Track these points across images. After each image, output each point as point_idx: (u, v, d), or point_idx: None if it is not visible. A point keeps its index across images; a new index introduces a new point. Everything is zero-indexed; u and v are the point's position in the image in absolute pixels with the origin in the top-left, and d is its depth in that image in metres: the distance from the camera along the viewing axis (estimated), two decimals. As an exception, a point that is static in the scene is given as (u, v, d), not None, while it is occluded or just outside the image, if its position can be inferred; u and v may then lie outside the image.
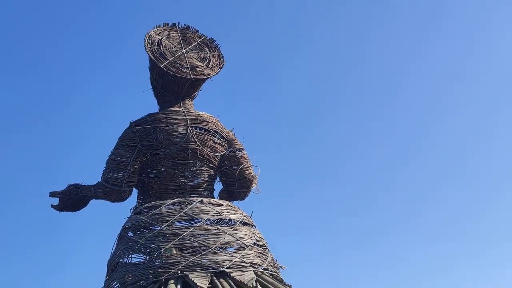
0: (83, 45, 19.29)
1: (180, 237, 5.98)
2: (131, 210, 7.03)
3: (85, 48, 19.12)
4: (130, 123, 7.00)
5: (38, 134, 18.75)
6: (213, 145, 7.00)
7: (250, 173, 7.25)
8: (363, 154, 18.76)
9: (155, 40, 7.09)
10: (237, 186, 7.20)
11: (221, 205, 6.60)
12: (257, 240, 6.37)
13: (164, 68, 6.85)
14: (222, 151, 7.07)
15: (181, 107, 7.09)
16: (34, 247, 17.35)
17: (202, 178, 6.99)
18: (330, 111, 19.15)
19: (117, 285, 6.09)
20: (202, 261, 5.80)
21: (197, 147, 6.83)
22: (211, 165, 7.01)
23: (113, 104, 18.73)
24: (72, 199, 7.06)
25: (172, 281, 5.61)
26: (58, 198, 7.15)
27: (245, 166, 7.19)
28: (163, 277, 5.66)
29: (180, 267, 5.72)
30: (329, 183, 18.62)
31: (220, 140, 7.08)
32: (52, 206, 7.20)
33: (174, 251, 5.91)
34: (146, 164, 6.82)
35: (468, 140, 18.79)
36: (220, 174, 7.23)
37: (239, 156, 7.19)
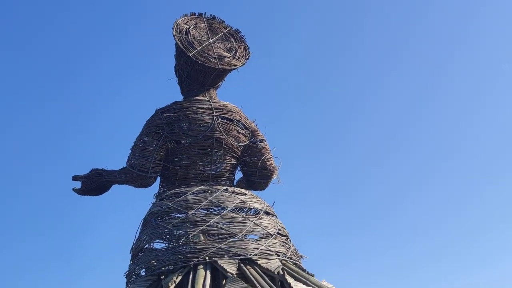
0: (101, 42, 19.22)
1: (207, 224, 6.08)
2: (155, 196, 7.14)
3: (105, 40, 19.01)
4: (156, 110, 7.07)
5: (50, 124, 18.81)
6: (237, 135, 7.09)
7: (271, 164, 7.36)
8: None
9: (183, 29, 7.15)
10: (258, 176, 7.31)
11: (245, 194, 6.71)
12: (279, 230, 6.49)
13: (192, 57, 6.92)
14: (245, 141, 7.16)
15: (206, 96, 7.17)
16: (50, 229, 17.51)
17: (225, 167, 7.09)
18: (362, 107, 18.95)
19: (143, 269, 6.18)
20: (230, 248, 5.90)
21: (222, 136, 6.92)
22: (234, 154, 7.10)
23: (131, 91, 18.84)
24: (96, 183, 7.13)
25: (201, 266, 5.71)
26: (80, 182, 7.23)
27: (266, 157, 7.30)
28: (191, 263, 5.76)
29: (208, 253, 5.82)
30: (352, 179, 18.53)
31: (244, 130, 7.18)
32: (74, 189, 7.26)
33: (202, 237, 6.02)
34: (171, 152, 6.90)
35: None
36: (241, 164, 7.33)
37: (261, 146, 7.29)
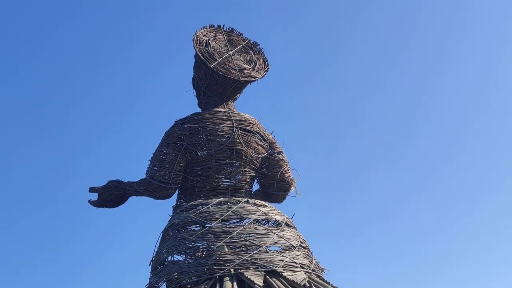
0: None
1: (231, 235, 6.03)
2: (173, 208, 7.08)
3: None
4: (176, 121, 7.05)
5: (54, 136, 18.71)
6: (256, 146, 7.07)
7: (289, 176, 7.34)
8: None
9: (203, 40, 7.17)
10: (276, 188, 7.29)
11: (265, 206, 6.66)
12: (301, 242, 6.44)
13: (214, 69, 6.92)
14: (263, 153, 7.15)
15: (225, 108, 7.17)
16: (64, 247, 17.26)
17: (244, 179, 7.06)
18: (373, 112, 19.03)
19: (165, 282, 6.09)
20: (255, 259, 5.84)
21: (241, 148, 6.90)
22: (253, 166, 7.08)
23: (147, 103, 18.79)
24: (113, 195, 7.07)
25: (227, 278, 5.64)
26: (96, 194, 7.16)
27: (285, 169, 7.28)
28: (217, 274, 5.69)
29: (234, 264, 5.75)
30: (365, 189, 18.45)
31: (262, 142, 7.16)
32: (90, 201, 7.19)
33: (226, 249, 5.95)
34: (191, 163, 6.87)
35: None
36: (259, 176, 7.30)
37: (279, 158, 7.28)
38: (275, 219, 6.48)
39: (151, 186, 6.72)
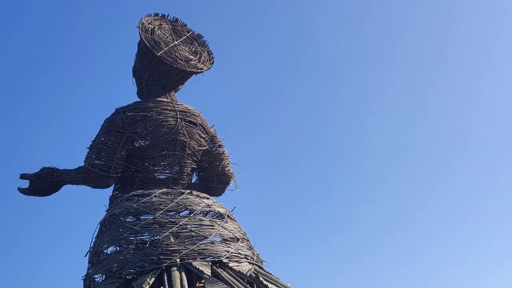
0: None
1: (176, 226, 5.95)
2: (110, 198, 6.87)
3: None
4: (117, 109, 6.85)
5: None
6: (199, 139, 7.03)
7: (229, 169, 7.36)
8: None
9: (148, 28, 7.02)
10: (216, 181, 7.28)
11: (208, 198, 6.64)
12: (243, 234, 6.49)
13: (160, 57, 6.80)
14: (205, 146, 7.12)
15: (168, 98, 7.06)
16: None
17: (185, 171, 6.99)
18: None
19: (105, 272, 5.89)
20: (202, 250, 5.81)
21: (185, 140, 6.83)
22: (194, 158, 7.03)
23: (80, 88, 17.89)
24: (46, 182, 6.73)
25: (175, 268, 5.57)
26: (28, 182, 6.78)
27: (225, 162, 7.30)
28: (164, 264, 5.60)
29: (181, 254, 5.69)
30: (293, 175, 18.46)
31: (205, 135, 7.13)
32: (20, 189, 6.80)
33: (172, 239, 5.87)
34: (132, 152, 6.70)
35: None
36: (199, 169, 7.26)
37: (220, 152, 7.28)
38: (218, 211, 6.47)
39: (90, 175, 6.47)
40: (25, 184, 6.80)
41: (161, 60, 6.82)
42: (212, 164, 7.24)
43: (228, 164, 7.36)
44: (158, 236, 5.84)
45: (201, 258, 5.75)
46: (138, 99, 7.24)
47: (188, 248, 5.76)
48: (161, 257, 5.65)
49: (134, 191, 6.57)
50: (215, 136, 7.32)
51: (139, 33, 6.88)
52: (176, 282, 5.37)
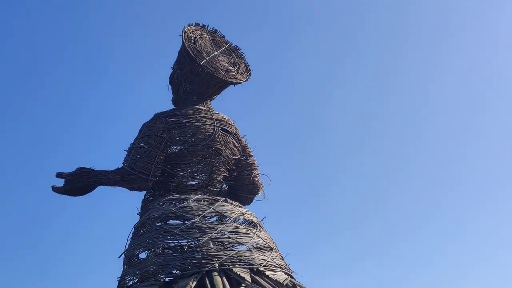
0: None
1: (215, 232, 6.07)
2: (143, 202, 6.97)
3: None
4: (156, 114, 6.98)
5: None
6: (233, 148, 7.18)
7: (258, 180, 7.50)
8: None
9: (190, 38, 7.17)
10: (245, 191, 7.40)
11: (241, 206, 6.78)
12: (275, 244, 6.62)
13: (204, 66, 6.95)
14: (237, 155, 7.26)
15: (205, 106, 7.21)
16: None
17: (218, 179, 7.12)
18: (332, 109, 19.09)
19: (139, 274, 5.97)
20: (241, 256, 5.92)
21: (221, 147, 6.97)
22: (228, 167, 7.17)
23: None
24: (83, 182, 6.81)
25: (216, 273, 5.68)
26: (63, 181, 6.86)
27: (256, 172, 7.44)
28: (206, 269, 5.70)
29: (221, 260, 5.80)
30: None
31: (238, 144, 7.28)
32: (54, 188, 6.86)
33: (211, 245, 5.98)
34: (170, 157, 6.82)
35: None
36: (229, 177, 7.39)
37: (251, 162, 7.42)
38: (251, 220, 6.60)
39: (129, 177, 6.57)
40: (59, 182, 6.88)
41: (203, 69, 6.97)
42: (242, 174, 7.36)
43: (258, 174, 7.51)
44: (198, 241, 5.95)
45: (239, 265, 5.86)
46: (173, 106, 7.40)
47: (228, 254, 5.87)
48: (202, 261, 5.75)
49: (168, 195, 6.68)
50: (246, 146, 7.47)
51: (183, 41, 7.03)
52: (219, 286, 5.47)
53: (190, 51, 6.98)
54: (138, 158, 6.60)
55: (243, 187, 7.39)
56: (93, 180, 6.80)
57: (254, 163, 7.46)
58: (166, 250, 6.04)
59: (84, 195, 7.01)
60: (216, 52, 7.29)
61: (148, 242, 6.12)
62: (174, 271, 5.80)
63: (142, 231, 6.35)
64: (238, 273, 5.68)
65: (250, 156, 7.48)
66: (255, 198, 7.55)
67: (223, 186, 7.37)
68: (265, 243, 6.35)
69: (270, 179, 7.51)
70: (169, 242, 6.07)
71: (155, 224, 6.25)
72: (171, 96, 7.56)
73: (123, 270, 6.24)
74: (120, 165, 6.79)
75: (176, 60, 7.33)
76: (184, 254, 5.86)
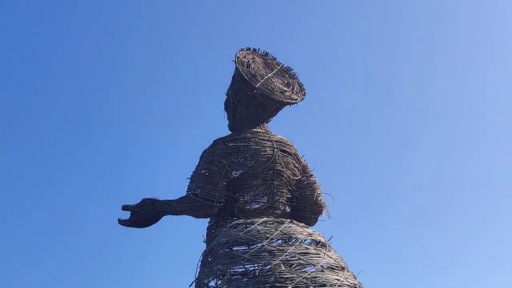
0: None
1: (286, 254, 5.99)
2: (208, 229, 6.97)
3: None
4: (215, 140, 7.01)
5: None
6: (293, 168, 7.12)
7: (321, 199, 7.40)
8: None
9: (243, 62, 7.22)
10: (309, 211, 7.31)
11: (307, 227, 6.68)
12: (345, 263, 6.48)
13: (259, 89, 6.97)
14: (298, 176, 7.20)
15: (262, 129, 7.21)
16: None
17: (281, 200, 7.07)
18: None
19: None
20: (313, 278, 5.82)
21: (282, 169, 6.93)
22: (289, 188, 7.11)
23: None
24: (149, 213, 6.87)
25: (291, 295, 5.58)
26: (129, 213, 6.93)
27: (318, 192, 7.35)
28: (280, 292, 5.61)
29: (295, 282, 5.70)
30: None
31: (298, 165, 7.22)
32: (120, 221, 6.93)
33: (283, 267, 5.90)
34: (232, 182, 6.82)
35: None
36: (292, 199, 7.32)
37: (312, 182, 7.34)
38: (319, 240, 6.49)
39: (194, 204, 6.59)
40: (125, 215, 6.95)
41: (259, 92, 6.98)
42: (305, 194, 7.29)
43: (320, 194, 7.41)
44: (269, 264, 5.87)
45: (313, 286, 5.75)
46: (229, 132, 7.42)
47: (301, 276, 5.77)
48: (276, 284, 5.67)
49: (233, 220, 6.66)
50: (306, 166, 7.40)
51: (236, 66, 7.08)
52: (295, 309, 5.37)
53: (244, 75, 7.02)
54: (201, 185, 6.62)
55: (306, 207, 7.30)
56: (158, 210, 6.85)
57: (315, 182, 7.38)
58: (236, 276, 5.98)
59: (149, 226, 7.07)
60: (269, 74, 7.31)
61: (217, 269, 6.08)
62: (248, 297, 5.72)
63: (210, 259, 6.32)
64: (314, 294, 5.57)
65: (311, 175, 7.41)
66: (319, 218, 7.47)
67: (285, 208, 7.31)
68: (336, 262, 6.22)
69: (334, 198, 7.41)
70: (239, 268, 6.01)
71: (223, 250, 6.21)
72: (227, 122, 7.61)
73: (196, 301, 6.21)
74: (183, 193, 6.84)
75: (230, 85, 7.39)
76: (256, 279, 5.79)
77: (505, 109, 18.96)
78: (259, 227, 6.33)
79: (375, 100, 18.90)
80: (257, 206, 6.96)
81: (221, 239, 6.35)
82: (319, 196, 7.36)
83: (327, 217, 7.44)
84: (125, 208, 6.89)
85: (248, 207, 6.94)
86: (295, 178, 7.14)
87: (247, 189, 6.89)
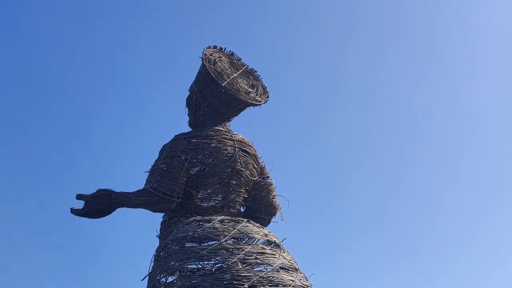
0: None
1: (243, 252, 6.04)
2: (162, 224, 6.92)
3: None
4: (177, 135, 6.98)
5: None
6: (252, 169, 7.19)
7: (276, 201, 7.51)
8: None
9: (211, 59, 7.23)
10: (263, 212, 7.39)
11: (262, 228, 6.77)
12: (297, 265, 6.61)
13: (225, 88, 6.99)
14: (255, 177, 7.27)
15: (224, 128, 7.24)
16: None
17: (237, 200, 7.12)
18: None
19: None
20: (270, 277, 5.90)
21: (242, 169, 6.99)
22: (247, 188, 7.17)
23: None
24: (103, 204, 6.72)
25: (247, 294, 5.64)
26: (82, 203, 6.77)
27: (273, 194, 7.45)
28: (237, 290, 5.66)
29: (252, 281, 5.76)
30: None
31: (256, 165, 7.30)
32: (73, 210, 6.77)
33: (240, 265, 5.95)
34: (192, 178, 6.80)
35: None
36: (248, 199, 7.38)
37: (268, 183, 7.44)
38: (274, 241, 6.59)
39: (153, 198, 6.52)
40: (78, 204, 6.79)
41: (225, 90, 7.01)
42: (260, 195, 7.36)
43: (275, 196, 7.51)
44: (227, 262, 5.91)
45: (269, 286, 5.83)
46: (190, 129, 7.41)
47: (258, 275, 5.84)
48: (233, 282, 5.71)
49: (191, 216, 6.64)
50: (264, 167, 7.49)
51: (203, 63, 7.07)
52: (252, 307, 5.43)
53: (211, 72, 7.02)
54: (161, 179, 6.57)
55: (261, 208, 7.38)
56: (114, 202, 6.73)
57: (271, 184, 7.47)
58: (193, 272, 5.98)
59: (102, 218, 6.93)
60: (235, 74, 7.35)
61: (173, 264, 6.05)
62: (203, 293, 5.73)
63: (165, 254, 6.28)
64: (271, 293, 5.66)
65: (268, 177, 7.50)
66: (273, 219, 7.57)
67: (240, 208, 7.36)
68: (290, 263, 6.33)
69: (289, 200, 7.53)
70: (196, 264, 6.01)
71: (180, 246, 6.20)
72: (188, 118, 7.58)
73: (148, 296, 6.15)
74: (140, 187, 6.76)
75: (195, 81, 7.37)
76: (213, 276, 5.81)
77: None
78: (217, 225, 6.36)
79: (326, 100, 19.19)
80: (213, 203, 6.96)
81: (178, 234, 6.33)
82: (274, 198, 7.45)
83: (280, 219, 7.56)
84: (79, 197, 6.72)
85: (205, 204, 6.93)
86: (253, 178, 7.22)
87: (205, 186, 6.89)
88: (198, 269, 6.01)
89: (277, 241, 6.61)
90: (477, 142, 19.03)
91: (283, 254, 6.39)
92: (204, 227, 6.30)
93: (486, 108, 19.03)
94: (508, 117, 18.89)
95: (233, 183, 6.96)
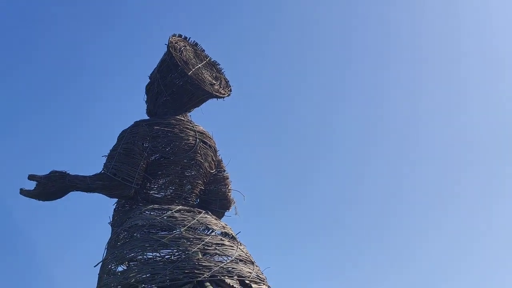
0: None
1: (203, 243, 6.00)
2: (115, 210, 6.76)
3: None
4: (137, 122, 6.84)
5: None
6: (211, 161, 7.17)
7: (230, 195, 7.52)
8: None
9: (177, 48, 7.14)
10: (218, 205, 7.39)
11: (220, 220, 6.76)
12: (253, 258, 6.65)
13: (191, 77, 6.92)
14: (213, 170, 7.26)
15: (185, 118, 7.17)
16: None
17: (194, 191, 7.07)
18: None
19: (120, 284, 5.76)
20: (229, 268, 5.89)
21: (201, 160, 6.95)
22: (204, 180, 7.14)
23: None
24: (56, 187, 6.45)
25: (208, 283, 5.60)
26: (34, 184, 6.48)
27: (229, 187, 7.46)
28: (199, 279, 5.60)
29: (213, 271, 5.73)
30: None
31: (215, 158, 7.28)
32: (23, 190, 6.47)
33: (200, 255, 5.91)
34: (150, 166, 6.68)
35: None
36: (203, 191, 7.34)
37: (225, 177, 7.45)
38: (231, 233, 6.60)
39: (111, 183, 6.34)
40: (31, 185, 6.49)
41: (191, 80, 6.94)
42: (216, 188, 7.36)
43: (230, 189, 7.53)
44: (188, 251, 5.85)
45: (229, 276, 5.83)
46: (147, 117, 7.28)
47: (218, 265, 5.82)
48: (194, 271, 5.66)
49: (148, 204, 6.52)
50: (221, 161, 7.49)
51: (170, 51, 6.96)
52: (214, 297, 5.41)
53: (177, 61, 6.93)
54: (121, 164, 6.40)
55: (216, 201, 7.37)
56: (68, 184, 6.48)
57: (227, 178, 7.49)
58: (154, 260, 5.87)
59: (53, 201, 6.66)
60: (200, 65, 7.29)
61: (132, 251, 5.92)
62: (164, 281, 5.64)
63: (123, 241, 6.13)
64: (232, 284, 5.65)
65: (224, 171, 7.50)
66: (226, 213, 7.58)
67: (196, 199, 7.31)
68: (247, 256, 6.36)
69: (244, 195, 7.56)
70: (156, 252, 5.91)
71: (140, 233, 6.07)
72: (146, 106, 7.45)
73: (100, 280, 5.97)
74: (94, 171, 6.57)
75: (157, 68, 7.23)
76: (175, 264, 5.73)
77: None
78: (176, 214, 6.29)
79: (288, 96, 19.17)
80: (169, 193, 6.86)
81: (137, 221, 6.19)
82: (229, 192, 7.47)
83: (234, 213, 7.58)
84: (31, 177, 6.42)
85: (162, 193, 6.83)
86: (211, 171, 7.19)
87: (162, 175, 6.78)
88: (158, 257, 5.90)
89: (233, 234, 6.62)
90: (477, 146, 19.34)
91: (240, 247, 6.40)
92: (163, 215, 6.20)
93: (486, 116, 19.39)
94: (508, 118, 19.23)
95: (191, 174, 6.90)
